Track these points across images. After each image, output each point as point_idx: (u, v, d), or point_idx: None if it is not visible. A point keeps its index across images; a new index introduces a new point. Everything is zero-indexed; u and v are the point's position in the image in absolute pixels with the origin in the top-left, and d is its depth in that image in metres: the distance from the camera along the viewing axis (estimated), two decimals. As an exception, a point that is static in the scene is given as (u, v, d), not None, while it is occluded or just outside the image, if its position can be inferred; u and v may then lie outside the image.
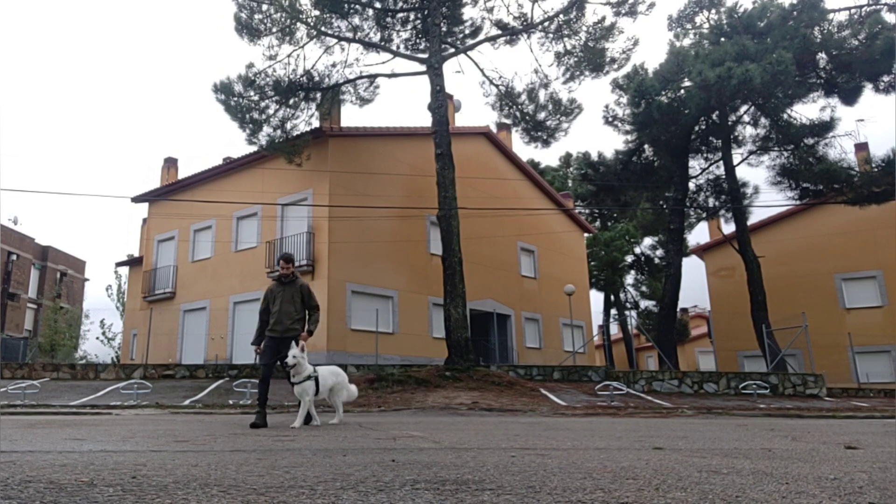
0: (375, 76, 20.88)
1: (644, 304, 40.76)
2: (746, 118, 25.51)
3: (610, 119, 25.49)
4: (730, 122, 25.05)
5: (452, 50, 20.38)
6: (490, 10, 21.37)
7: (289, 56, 19.69)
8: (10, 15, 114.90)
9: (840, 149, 24.34)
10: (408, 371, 16.04)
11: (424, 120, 38.95)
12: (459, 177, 18.63)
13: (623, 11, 19.76)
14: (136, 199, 25.87)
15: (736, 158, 25.09)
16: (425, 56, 19.37)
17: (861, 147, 26.84)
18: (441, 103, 18.27)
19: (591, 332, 30.31)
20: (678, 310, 28.38)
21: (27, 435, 5.24)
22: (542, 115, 21.11)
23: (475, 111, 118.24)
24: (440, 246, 18.00)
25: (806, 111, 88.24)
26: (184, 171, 27.48)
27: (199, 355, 22.11)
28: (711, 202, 27.30)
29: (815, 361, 19.99)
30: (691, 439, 5.36)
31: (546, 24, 20.45)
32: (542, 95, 21.10)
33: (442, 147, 17.94)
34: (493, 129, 27.08)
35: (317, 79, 20.13)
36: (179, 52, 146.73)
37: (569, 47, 20.53)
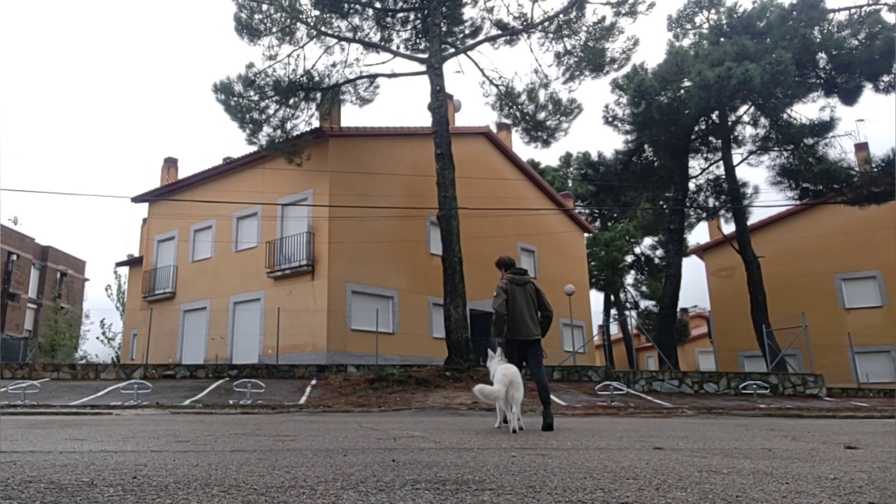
0: (375, 76, 20.89)
1: (644, 304, 40.78)
2: (746, 118, 25.52)
3: (610, 119, 25.49)
4: (730, 122, 25.05)
5: (452, 50, 20.37)
6: (490, 10, 21.38)
7: (289, 56, 19.71)
8: (11, 15, 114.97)
9: (840, 149, 24.37)
10: (408, 371, 16.04)
11: (424, 120, 38.97)
12: (459, 177, 18.63)
13: (623, 11, 19.75)
14: (136, 199, 25.86)
15: (736, 158, 25.10)
16: (425, 56, 19.37)
17: (861, 147, 26.83)
18: (441, 103, 18.27)
19: (591, 332, 30.30)
20: (678, 310, 28.38)
21: (28, 435, 5.25)
22: (542, 115, 21.11)
23: (475, 111, 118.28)
24: (440, 246, 18.00)
25: (806, 111, 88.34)
26: (184, 171, 27.51)
27: (200, 355, 22.10)
28: (711, 202, 27.30)
29: (815, 361, 19.99)
30: (691, 439, 5.36)
31: (546, 24, 20.44)
32: (542, 95, 21.12)
33: (442, 147, 17.94)
34: (493, 129, 27.07)
35: (317, 79, 20.12)
36: (179, 52, 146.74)
37: (569, 47, 20.53)
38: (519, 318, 6.59)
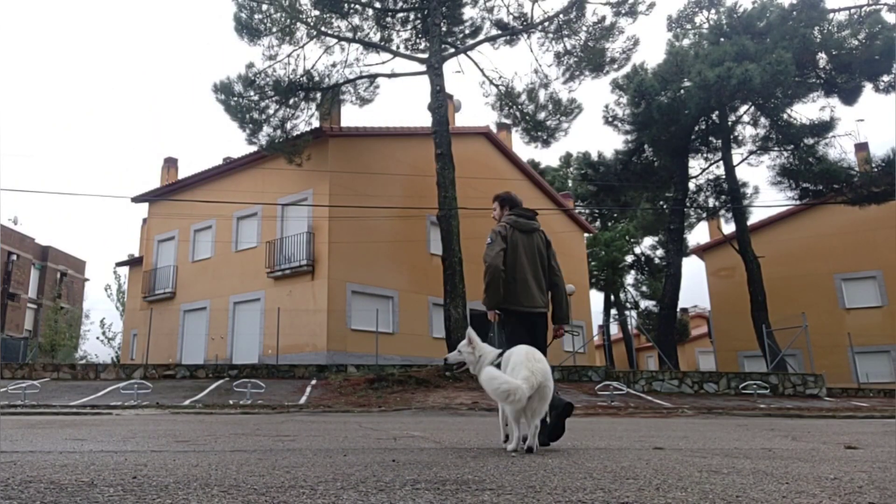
0: (375, 76, 20.89)
1: (644, 304, 40.83)
2: (746, 118, 25.54)
3: (610, 119, 25.49)
4: (730, 122, 25.06)
5: (452, 50, 20.37)
6: (490, 10, 21.37)
7: (289, 56, 19.71)
8: (11, 14, 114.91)
9: (840, 149, 24.47)
10: (408, 371, 16.05)
11: (424, 120, 38.91)
12: (459, 177, 18.62)
13: (623, 11, 19.76)
14: (136, 199, 25.86)
15: (736, 158, 25.12)
16: (425, 56, 19.37)
17: (861, 147, 26.85)
18: (441, 103, 18.26)
19: (591, 332, 30.29)
20: (678, 310, 28.38)
21: (28, 435, 5.24)
22: (542, 115, 21.11)
23: (475, 111, 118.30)
24: (440, 246, 18.00)
25: (806, 111, 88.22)
26: (184, 171, 27.50)
27: (200, 355, 22.10)
28: (711, 202, 27.33)
29: (815, 361, 19.98)
30: (691, 439, 5.36)
31: (546, 24, 20.44)
32: (542, 95, 21.12)
33: (442, 147, 17.93)
34: (493, 129, 27.06)
35: (317, 79, 20.13)
36: (179, 52, 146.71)
37: (569, 47, 20.53)
38: (521, 280, 4.47)
